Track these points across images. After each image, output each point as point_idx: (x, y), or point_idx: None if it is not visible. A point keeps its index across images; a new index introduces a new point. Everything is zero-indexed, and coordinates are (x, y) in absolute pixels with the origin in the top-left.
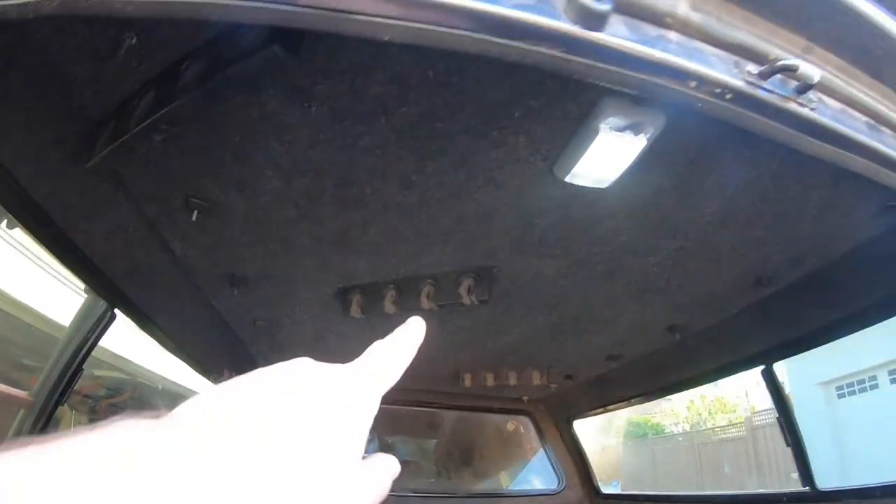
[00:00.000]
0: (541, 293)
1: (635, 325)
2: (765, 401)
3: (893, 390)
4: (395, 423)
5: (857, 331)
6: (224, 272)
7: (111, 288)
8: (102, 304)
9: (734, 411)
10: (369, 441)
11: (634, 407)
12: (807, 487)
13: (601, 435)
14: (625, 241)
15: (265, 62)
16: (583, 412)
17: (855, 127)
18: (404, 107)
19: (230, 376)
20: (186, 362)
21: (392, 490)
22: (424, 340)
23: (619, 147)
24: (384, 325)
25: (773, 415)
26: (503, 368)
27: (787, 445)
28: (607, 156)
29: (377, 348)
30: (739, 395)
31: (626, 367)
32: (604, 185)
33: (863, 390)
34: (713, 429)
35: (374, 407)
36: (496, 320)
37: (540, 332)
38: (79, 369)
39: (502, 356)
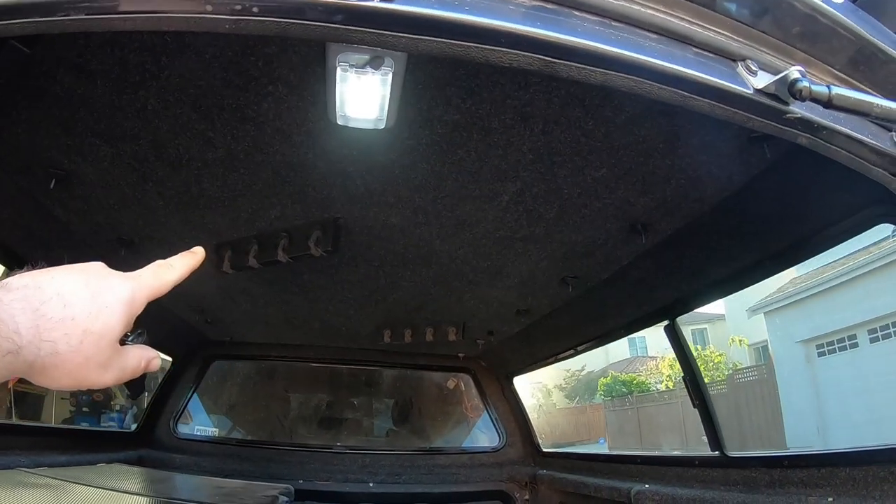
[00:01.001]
0: (403, 244)
1: (526, 278)
2: (746, 359)
3: (873, 349)
4: (333, 381)
5: (757, 281)
6: (110, 236)
7: (9, 255)
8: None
9: (717, 369)
10: (138, 335)
11: (621, 366)
12: (717, 452)
13: (587, 394)
14: (452, 187)
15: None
16: (520, 368)
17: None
18: (165, 70)
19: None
20: None
21: (330, 448)
22: (325, 296)
23: (367, 84)
24: (271, 277)
25: (755, 373)
26: (419, 325)
27: (694, 407)
28: (361, 94)
29: (153, 263)
30: (723, 352)
31: (544, 322)
32: (380, 125)
33: (843, 349)
34: None
35: (129, 297)
36: (378, 274)
37: (432, 287)
38: None
39: (410, 313)
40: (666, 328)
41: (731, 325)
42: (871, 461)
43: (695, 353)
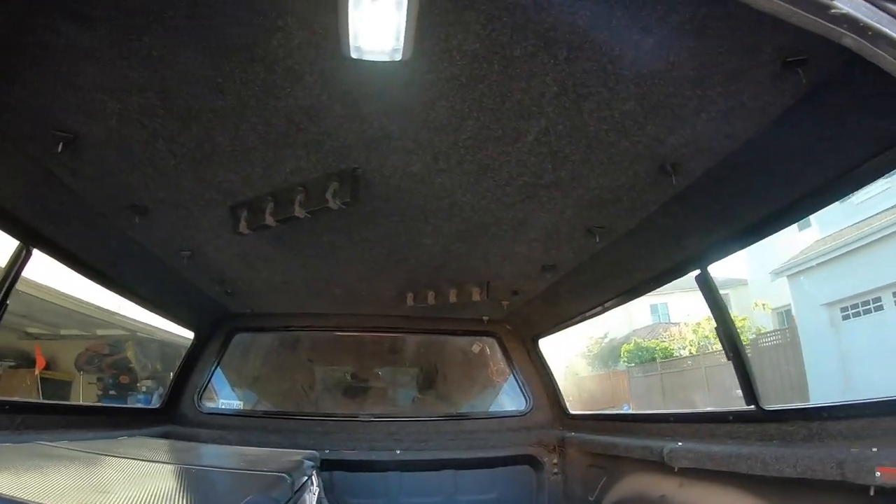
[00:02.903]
0: (424, 195)
1: (551, 230)
2: (769, 323)
3: None
4: (357, 349)
5: (789, 224)
6: (124, 202)
7: (25, 230)
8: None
9: (741, 333)
10: None
11: (644, 333)
12: (752, 406)
13: (610, 360)
14: (474, 127)
15: None
16: (546, 330)
17: None
18: (168, 10)
19: None
20: (138, 303)
21: (355, 416)
22: (346, 258)
23: (381, 10)
24: (290, 240)
25: (778, 337)
26: (442, 286)
27: (728, 359)
28: (376, 21)
29: None
30: (746, 317)
31: (570, 278)
32: (397, 56)
33: (867, 312)
34: (719, 351)
35: None
36: (398, 231)
37: (454, 243)
38: (3, 305)
39: (432, 273)
40: (697, 278)
41: (753, 289)
42: None
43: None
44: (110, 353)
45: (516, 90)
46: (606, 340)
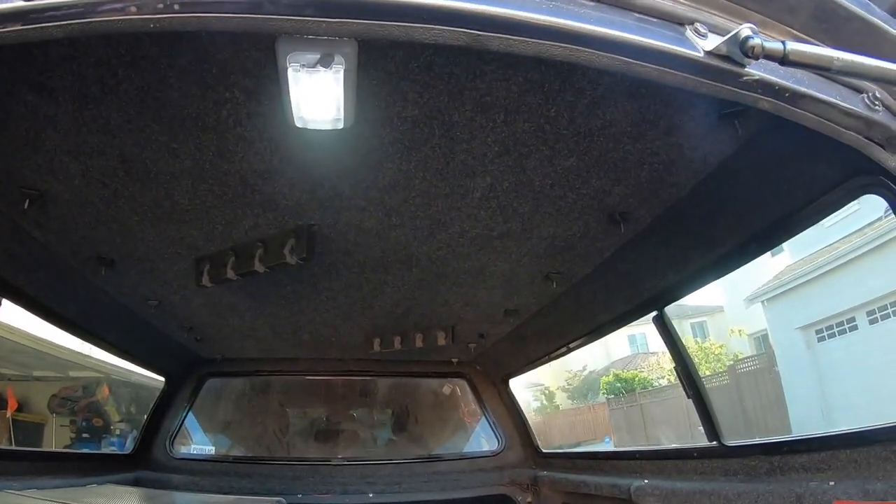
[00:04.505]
0: (381, 248)
1: (510, 277)
2: (746, 349)
3: (872, 330)
4: (328, 393)
5: (741, 264)
6: (90, 254)
7: None
8: None
9: (718, 360)
10: None
11: (622, 363)
12: (714, 442)
13: (589, 393)
14: (421, 186)
15: None
16: (515, 370)
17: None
18: (123, 83)
19: None
20: (108, 350)
21: (328, 460)
22: (310, 307)
23: (320, 83)
24: (254, 290)
25: (756, 362)
26: (408, 331)
27: (688, 398)
28: (316, 94)
29: None
30: (723, 344)
31: (534, 321)
32: (339, 125)
33: (842, 332)
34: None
35: None
36: (360, 281)
37: (416, 291)
38: None
39: (397, 319)
40: (654, 319)
41: (729, 315)
42: (871, 441)
43: (695, 346)
44: (84, 396)
45: (459, 151)
46: (585, 373)
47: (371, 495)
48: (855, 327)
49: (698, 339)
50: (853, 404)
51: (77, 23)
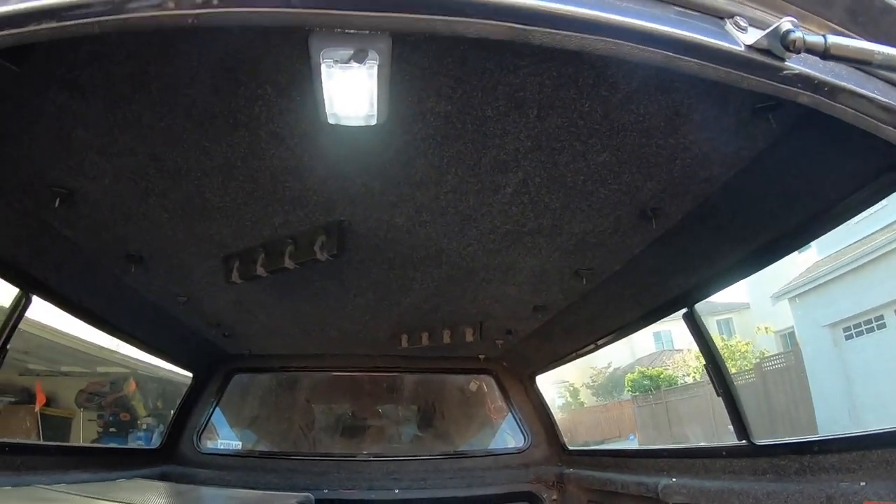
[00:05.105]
0: (410, 245)
1: (539, 273)
2: (773, 347)
3: None
4: (354, 389)
5: (772, 262)
6: (119, 251)
7: (24, 277)
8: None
9: (745, 358)
10: None
11: (648, 360)
12: (743, 441)
13: (614, 390)
14: (453, 182)
15: None
16: (542, 367)
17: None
18: (154, 81)
19: None
20: (136, 346)
21: (354, 456)
22: (338, 303)
23: (354, 79)
24: (283, 287)
25: (782, 360)
26: (436, 327)
27: (718, 395)
28: (349, 90)
29: None
30: (749, 341)
31: (562, 318)
32: (372, 121)
33: (870, 330)
34: None
35: None
36: (388, 277)
37: (444, 288)
38: (3, 350)
39: (425, 315)
40: (685, 316)
41: (755, 312)
42: None
43: (721, 344)
44: (111, 391)
45: (492, 146)
46: (610, 370)
47: (397, 491)
48: (883, 325)
49: (724, 337)
50: (882, 403)
51: (112, 19)
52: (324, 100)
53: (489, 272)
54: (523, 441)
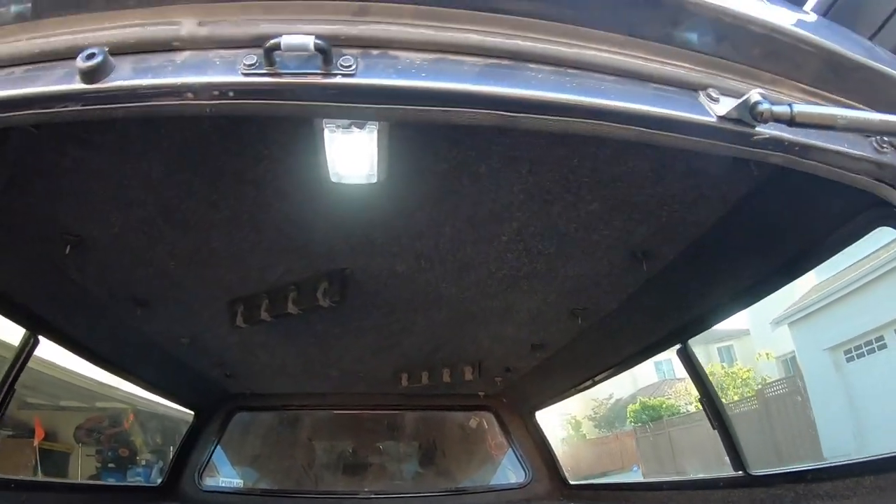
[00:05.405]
0: (411, 291)
1: (536, 314)
2: (775, 372)
3: None
4: (355, 427)
5: (763, 296)
6: (125, 295)
7: (32, 318)
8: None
9: (746, 385)
10: None
11: (649, 390)
12: (740, 472)
13: (616, 422)
14: (450, 232)
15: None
16: (541, 403)
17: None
18: (165, 140)
19: None
20: (138, 385)
21: (356, 493)
22: (341, 345)
23: (355, 142)
24: (286, 329)
25: (785, 385)
26: (435, 366)
27: (714, 429)
28: (350, 152)
29: None
30: (751, 367)
31: (560, 356)
32: (373, 180)
33: (871, 351)
34: (727, 404)
35: None
36: (389, 320)
37: (444, 330)
38: (10, 390)
39: (425, 355)
40: (678, 352)
41: (756, 338)
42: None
43: (722, 371)
44: (110, 426)
45: (486, 200)
46: (612, 402)
47: None
48: (884, 346)
49: (725, 364)
50: (887, 424)
51: (135, 105)
52: (327, 161)
53: (487, 314)
54: (524, 476)
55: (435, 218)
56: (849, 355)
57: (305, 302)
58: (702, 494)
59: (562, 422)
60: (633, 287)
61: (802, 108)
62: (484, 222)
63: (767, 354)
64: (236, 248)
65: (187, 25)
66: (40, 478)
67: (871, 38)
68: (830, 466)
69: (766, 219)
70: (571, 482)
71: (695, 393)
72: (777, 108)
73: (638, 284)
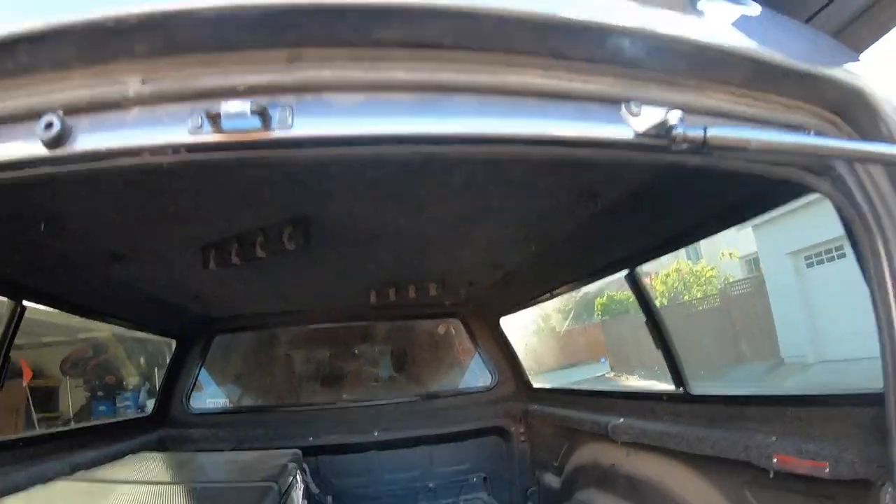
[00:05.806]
0: (372, 226)
1: (493, 240)
2: (738, 272)
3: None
4: (331, 341)
5: (701, 238)
6: (103, 251)
7: (15, 285)
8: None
9: (710, 283)
10: None
11: (616, 286)
12: (681, 389)
13: (584, 315)
14: (406, 178)
15: None
16: (505, 311)
17: None
18: None
19: None
20: (120, 325)
21: (334, 403)
22: (310, 272)
23: None
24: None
25: (747, 286)
26: (402, 284)
27: (657, 348)
28: None
29: None
30: (714, 266)
31: (522, 272)
32: None
33: (830, 259)
34: (689, 301)
35: None
36: (353, 251)
37: (406, 255)
38: (6, 359)
39: (390, 277)
40: (626, 277)
41: (721, 238)
42: (814, 403)
43: (688, 269)
44: (94, 355)
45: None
46: (580, 295)
47: (376, 433)
48: (843, 255)
49: (691, 261)
50: (836, 327)
51: (98, 164)
52: None
53: (446, 242)
54: (491, 380)
55: (390, 165)
56: (808, 261)
57: (273, 247)
58: (647, 405)
59: (533, 315)
60: (582, 220)
61: (715, 132)
62: (438, 171)
63: (731, 254)
64: (204, 204)
65: (132, 84)
66: (41, 430)
67: (819, 11)
68: (761, 395)
69: (708, 169)
70: (535, 385)
71: (659, 288)
72: (691, 133)
73: (587, 218)
